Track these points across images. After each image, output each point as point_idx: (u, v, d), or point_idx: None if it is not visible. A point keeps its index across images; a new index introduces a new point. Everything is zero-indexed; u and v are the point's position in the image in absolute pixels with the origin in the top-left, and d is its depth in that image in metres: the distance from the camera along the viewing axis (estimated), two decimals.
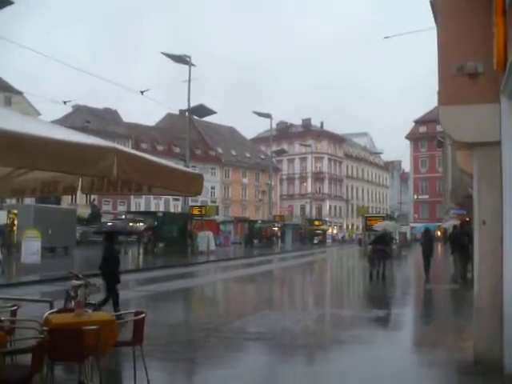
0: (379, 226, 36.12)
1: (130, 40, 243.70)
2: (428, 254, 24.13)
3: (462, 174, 22.13)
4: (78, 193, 7.57)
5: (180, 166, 7.53)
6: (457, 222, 31.71)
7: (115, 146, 5.16)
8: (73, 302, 8.09)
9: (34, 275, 22.71)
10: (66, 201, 61.44)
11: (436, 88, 9.30)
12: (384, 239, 24.75)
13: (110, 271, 12.95)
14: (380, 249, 23.54)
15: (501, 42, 6.92)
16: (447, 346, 10.50)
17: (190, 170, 8.10)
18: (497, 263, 8.15)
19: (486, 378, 8.10)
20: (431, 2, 12.63)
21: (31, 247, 26.61)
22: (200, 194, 6.80)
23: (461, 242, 21.76)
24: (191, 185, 6.56)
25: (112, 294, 12.82)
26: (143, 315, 7.28)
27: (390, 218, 55.35)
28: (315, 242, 79.71)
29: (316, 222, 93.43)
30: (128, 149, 5.90)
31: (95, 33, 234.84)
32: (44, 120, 28.10)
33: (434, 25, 11.71)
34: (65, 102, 41.46)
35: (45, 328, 6.10)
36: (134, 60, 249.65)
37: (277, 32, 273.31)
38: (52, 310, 7.62)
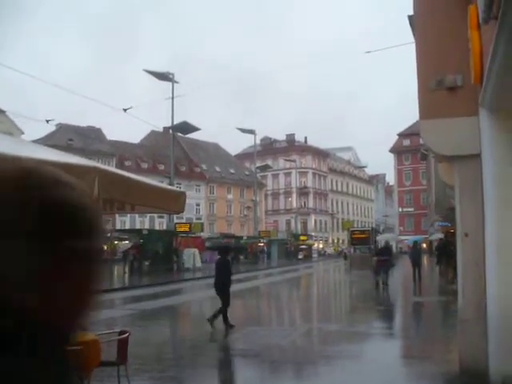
0: (381, 238, 38.78)
1: (114, 57, 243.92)
2: (417, 265, 26.12)
3: (444, 187, 22.27)
4: None
5: (162, 184, 7.53)
6: (442, 236, 32.75)
7: (96, 166, 5.15)
8: None
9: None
10: None
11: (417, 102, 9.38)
12: (387, 250, 26.95)
13: (224, 281, 14.94)
14: (385, 259, 25.40)
15: (477, 56, 7.00)
16: (434, 359, 10.52)
17: (172, 187, 8.10)
18: (480, 275, 8.19)
19: None
20: (409, 17, 12.74)
21: None
22: (182, 211, 6.80)
23: (447, 251, 22.68)
24: (173, 202, 6.56)
25: (225, 304, 14.82)
26: (127, 334, 7.23)
27: (375, 231, 55.44)
28: (300, 257, 79.38)
29: (302, 237, 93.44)
30: (109, 167, 5.89)
31: (79, 50, 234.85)
32: (25, 139, 27.96)
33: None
34: (47, 121, 41.26)
35: None
36: (118, 77, 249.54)
37: (264, 42, 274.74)
38: None
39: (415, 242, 30.59)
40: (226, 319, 14.88)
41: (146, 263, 41.68)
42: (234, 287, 15.98)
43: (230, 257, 17.18)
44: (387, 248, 28.20)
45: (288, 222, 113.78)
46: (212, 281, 16.12)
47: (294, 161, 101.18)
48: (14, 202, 0.98)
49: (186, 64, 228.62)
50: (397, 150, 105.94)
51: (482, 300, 8.15)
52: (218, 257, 16.29)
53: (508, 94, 6.87)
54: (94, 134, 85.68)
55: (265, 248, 75.08)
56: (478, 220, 8.25)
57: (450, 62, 8.72)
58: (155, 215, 76.43)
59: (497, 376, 7.70)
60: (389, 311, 19.66)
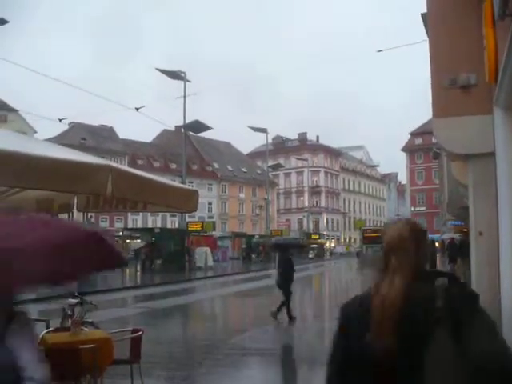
0: None
1: (127, 56, 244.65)
2: (432, 264, 25.97)
3: (457, 185, 22.08)
4: (75, 210, 7.56)
5: (175, 183, 7.54)
6: (454, 235, 32.75)
7: (109, 164, 5.15)
8: (69, 321, 8.03)
9: (30, 294, 22.59)
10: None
11: (430, 100, 9.32)
12: None
13: (287, 276, 16.22)
14: None
15: (492, 54, 6.94)
16: None
17: (184, 186, 8.10)
18: (494, 274, 8.13)
19: None
20: (422, 15, 12.66)
21: None
22: (195, 210, 6.78)
23: (463, 250, 22.46)
24: (186, 201, 6.55)
25: (288, 296, 16.03)
26: (140, 333, 7.24)
27: None
28: (310, 256, 79.01)
29: (313, 236, 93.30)
30: (122, 166, 5.90)
31: (90, 49, 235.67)
32: (39, 138, 28.07)
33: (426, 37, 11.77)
34: (60, 120, 41.40)
35: (40, 348, 6.05)
36: (131, 76, 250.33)
37: (276, 43, 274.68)
38: (48, 329, 7.57)
39: (431, 241, 30.81)
40: (289, 311, 15.98)
41: (158, 262, 41.77)
42: (245, 286, 16.07)
43: (290, 254, 18.18)
44: None
45: (300, 221, 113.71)
46: (223, 279, 16.25)
47: (305, 159, 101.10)
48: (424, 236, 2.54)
49: (195, 63, 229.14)
50: (409, 149, 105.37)
51: (495, 300, 8.09)
52: (279, 254, 18.00)
53: None
54: (106, 132, 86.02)
55: None
56: (492, 219, 8.18)
57: (464, 61, 8.66)
58: (167, 214, 76.59)
59: None
60: None
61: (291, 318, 15.87)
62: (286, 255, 17.30)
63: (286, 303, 16.06)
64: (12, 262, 2.49)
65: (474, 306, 2.29)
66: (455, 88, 8.58)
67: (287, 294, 16.12)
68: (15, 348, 2.68)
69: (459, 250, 26.07)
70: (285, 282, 16.23)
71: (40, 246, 2.66)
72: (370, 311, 2.28)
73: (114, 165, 5.26)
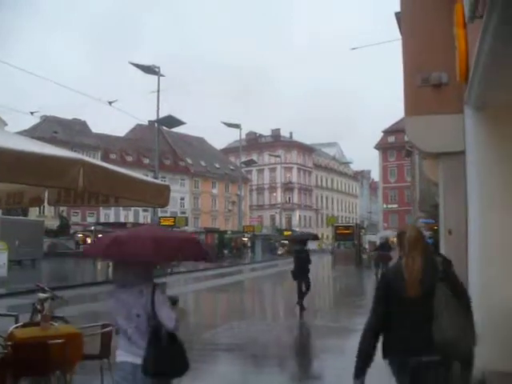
0: (382, 235, 48.60)
1: (102, 50, 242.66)
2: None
3: (428, 184, 22.38)
4: (46, 204, 7.49)
5: (147, 177, 7.51)
6: (425, 233, 33.84)
7: (81, 158, 5.12)
8: (39, 316, 7.96)
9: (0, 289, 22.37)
10: (34, 212, 60.40)
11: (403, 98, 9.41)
12: (387, 246, 29.53)
13: (305, 267, 17.51)
14: (384, 254, 27.83)
15: (462, 54, 7.03)
16: None
17: (156, 181, 8.06)
18: (463, 271, 8.24)
19: None
20: (396, 14, 12.77)
21: None
22: (167, 205, 6.77)
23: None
24: (158, 196, 6.53)
25: (308, 286, 17.50)
26: (111, 328, 7.21)
27: (359, 227, 55.54)
28: (279, 252, 78.85)
29: (286, 233, 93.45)
30: (94, 160, 5.86)
31: (67, 41, 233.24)
32: (9, 131, 27.75)
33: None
34: (32, 113, 41.04)
35: (9, 343, 6.00)
36: (105, 70, 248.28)
37: (255, 39, 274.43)
38: (17, 324, 7.50)
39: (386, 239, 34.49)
40: (301, 302, 17.11)
41: None
42: (217, 281, 16.09)
43: (307, 247, 19.34)
44: (387, 243, 30.38)
45: (272, 217, 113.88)
46: (195, 275, 16.24)
47: (279, 156, 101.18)
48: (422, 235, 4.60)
49: (194, 63, 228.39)
50: (382, 147, 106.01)
51: None
52: (297, 247, 18.95)
53: (493, 93, 6.91)
54: (79, 126, 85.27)
55: (248, 243, 75.08)
56: (461, 217, 8.30)
57: (436, 60, 8.76)
58: (140, 209, 76.19)
59: (477, 371, 7.75)
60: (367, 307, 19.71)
61: (302, 308, 16.95)
62: (302, 248, 18.48)
63: (306, 293, 17.46)
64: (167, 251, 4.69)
65: (452, 268, 4.40)
66: (427, 87, 8.68)
67: (308, 284, 17.57)
68: (157, 305, 4.28)
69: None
70: (303, 273, 17.53)
71: (174, 243, 4.83)
72: (403, 275, 4.21)
73: (86, 159, 5.23)
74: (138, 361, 4.19)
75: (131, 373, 4.24)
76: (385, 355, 4.35)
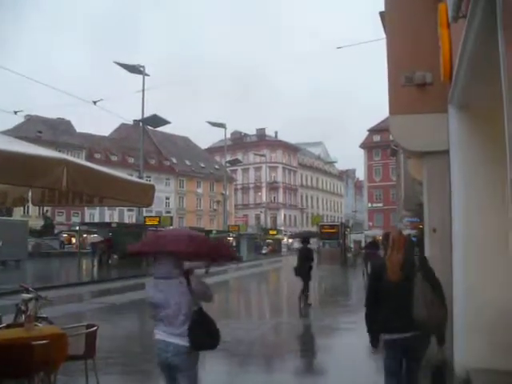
0: (370, 233, 49.69)
1: (87, 49, 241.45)
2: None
3: (413, 183, 22.48)
4: (30, 204, 7.46)
5: (131, 177, 7.49)
6: (410, 232, 34.20)
7: (65, 158, 5.10)
8: (23, 317, 7.91)
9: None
10: (18, 212, 60.08)
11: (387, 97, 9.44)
12: (375, 244, 29.63)
13: (307, 264, 18.48)
14: (372, 252, 27.91)
15: (446, 54, 7.06)
16: None
17: (141, 180, 8.06)
18: (447, 270, 8.29)
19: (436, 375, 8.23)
20: (380, 13, 12.81)
21: None
22: (151, 204, 6.76)
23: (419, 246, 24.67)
24: (142, 196, 6.53)
25: (308, 281, 18.27)
26: (95, 328, 7.19)
27: (344, 226, 55.69)
28: (263, 251, 78.85)
29: (271, 232, 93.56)
30: (78, 160, 5.84)
31: (55, 41, 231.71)
32: None
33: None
34: (15, 112, 40.66)
35: None
36: (94, 70, 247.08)
37: (275, 44, 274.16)
38: (1, 325, 7.45)
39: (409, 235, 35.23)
40: (306, 297, 18.13)
41: (115, 257, 41.34)
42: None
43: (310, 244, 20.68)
44: (375, 242, 30.78)
45: (258, 217, 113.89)
46: None
47: (264, 155, 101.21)
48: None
49: (181, 64, 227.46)
50: (367, 146, 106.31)
51: (447, 295, 8.25)
52: (301, 245, 20.20)
53: (476, 92, 6.96)
54: (63, 126, 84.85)
55: (234, 242, 75.10)
56: (445, 216, 8.34)
57: (420, 59, 8.80)
58: (124, 208, 75.89)
59: (461, 369, 7.81)
60: (355, 306, 19.77)
61: (307, 304, 18.03)
62: (305, 245, 19.61)
63: (307, 288, 18.22)
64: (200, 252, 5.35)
65: (427, 263, 5.90)
66: (411, 86, 8.71)
67: (308, 282, 18.31)
68: (193, 288, 5.17)
69: (417, 245, 28.04)
70: (307, 270, 18.42)
71: (207, 242, 5.69)
72: (386, 266, 5.53)
73: (70, 158, 5.22)
74: (170, 338, 5.21)
75: (166, 348, 5.25)
76: (376, 331, 5.77)
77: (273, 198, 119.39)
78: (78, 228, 56.41)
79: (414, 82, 8.72)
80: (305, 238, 21.62)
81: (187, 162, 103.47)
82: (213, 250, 5.64)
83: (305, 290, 18.14)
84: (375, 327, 5.72)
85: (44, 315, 8.43)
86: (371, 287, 5.87)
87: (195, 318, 5.21)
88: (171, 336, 5.23)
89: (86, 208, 75.59)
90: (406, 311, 5.25)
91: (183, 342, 5.15)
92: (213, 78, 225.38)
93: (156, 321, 5.49)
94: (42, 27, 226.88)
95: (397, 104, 9.04)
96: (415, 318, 5.25)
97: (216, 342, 5.38)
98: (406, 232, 45.90)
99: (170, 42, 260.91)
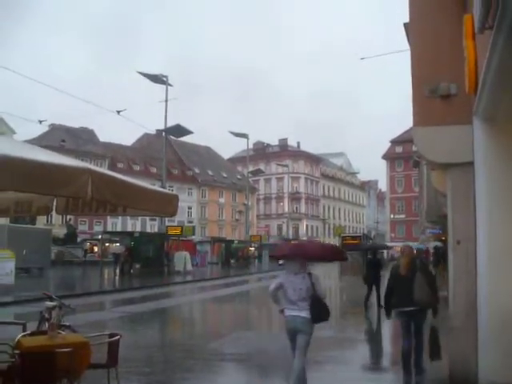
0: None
1: (112, 59, 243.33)
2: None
3: (436, 194, 22.35)
4: (54, 212, 7.52)
5: (155, 187, 7.52)
6: (436, 243, 34.44)
7: (89, 167, 5.14)
8: (47, 324, 7.96)
9: (7, 296, 22.40)
10: (41, 220, 60.55)
11: (411, 109, 9.39)
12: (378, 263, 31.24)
13: (377, 275, 20.64)
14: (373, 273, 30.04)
15: (472, 66, 7.01)
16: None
17: (165, 190, 8.07)
18: (471, 283, 8.22)
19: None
20: (405, 24, 12.77)
21: (5, 268, 26.37)
22: (175, 214, 6.78)
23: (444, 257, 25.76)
24: (166, 205, 6.55)
25: (378, 289, 19.78)
26: (118, 337, 7.20)
27: (366, 237, 55.45)
28: (280, 262, 78.13)
29: (293, 242, 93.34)
30: (102, 169, 5.88)
31: (75, 51, 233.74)
32: (18, 139, 27.82)
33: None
34: (40, 122, 41.17)
35: (16, 351, 5.99)
36: (115, 79, 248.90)
37: (275, 44, 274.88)
38: (25, 333, 7.50)
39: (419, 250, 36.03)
40: (367, 303, 20.30)
41: (137, 266, 41.51)
42: (224, 291, 16.08)
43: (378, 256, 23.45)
44: (378, 261, 31.99)
45: (279, 227, 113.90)
46: (202, 284, 16.24)
47: (286, 165, 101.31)
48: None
49: (184, 66, 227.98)
50: (389, 157, 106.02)
51: (472, 308, 8.17)
52: (370, 256, 23.67)
53: (502, 104, 6.90)
54: (86, 135, 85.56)
55: (255, 252, 74.97)
56: (470, 228, 8.27)
57: (445, 71, 8.74)
58: (147, 218, 76.28)
59: (486, 382, 7.72)
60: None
61: (367, 308, 20.17)
62: (374, 256, 22.82)
63: (369, 293, 20.46)
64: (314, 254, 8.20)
65: (427, 265, 11.42)
66: (435, 97, 8.66)
67: (379, 288, 19.73)
68: (316, 283, 7.43)
69: (442, 256, 29.88)
70: (376, 279, 20.45)
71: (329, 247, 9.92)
72: (399, 266, 9.02)
73: (94, 168, 5.25)
74: (296, 312, 7.38)
75: (294, 319, 7.40)
76: (391, 308, 9.04)
77: (295, 209, 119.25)
78: (100, 237, 56.75)
79: (438, 94, 8.67)
80: (373, 250, 24.94)
81: (209, 172, 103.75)
82: (334, 254, 8.77)
83: (378, 296, 19.40)
84: (391, 305, 8.97)
85: (67, 323, 8.47)
86: (389, 282, 9.16)
87: (313, 300, 7.34)
88: (297, 311, 7.37)
89: (108, 217, 76.04)
90: (410, 294, 8.41)
91: (306, 315, 7.31)
92: (221, 81, 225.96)
93: (279, 303, 7.86)
94: (43, 28, 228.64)
95: (421, 115, 8.98)
96: (415, 298, 8.40)
97: (327, 316, 7.50)
98: (431, 244, 45.36)
99: (170, 42, 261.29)
